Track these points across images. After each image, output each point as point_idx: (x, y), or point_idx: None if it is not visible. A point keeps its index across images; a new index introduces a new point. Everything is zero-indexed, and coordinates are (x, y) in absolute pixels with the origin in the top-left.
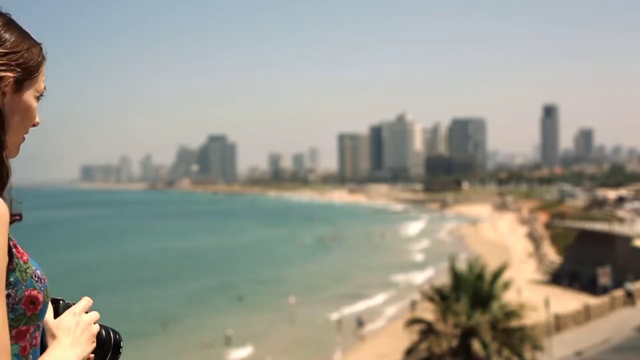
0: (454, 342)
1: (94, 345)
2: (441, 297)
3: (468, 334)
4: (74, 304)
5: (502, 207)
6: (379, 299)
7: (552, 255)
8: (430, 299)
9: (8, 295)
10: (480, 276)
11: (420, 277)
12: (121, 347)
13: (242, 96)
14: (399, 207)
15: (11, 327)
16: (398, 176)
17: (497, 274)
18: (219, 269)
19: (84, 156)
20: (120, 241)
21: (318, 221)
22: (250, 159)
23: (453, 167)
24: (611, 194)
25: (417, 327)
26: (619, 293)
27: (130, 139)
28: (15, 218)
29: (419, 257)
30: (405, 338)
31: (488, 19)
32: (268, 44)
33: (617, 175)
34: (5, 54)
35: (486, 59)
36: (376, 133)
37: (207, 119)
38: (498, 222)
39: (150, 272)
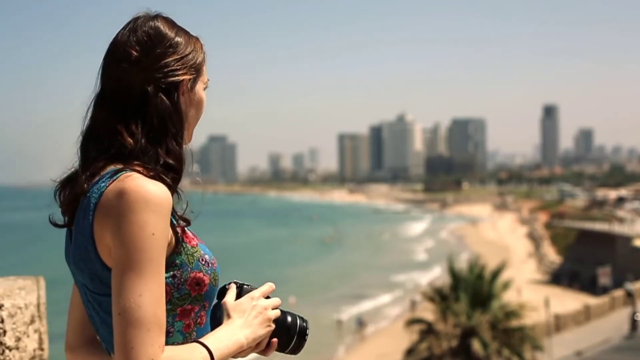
0: (454, 342)
1: (269, 329)
2: (441, 297)
3: (468, 334)
4: (256, 288)
5: (502, 207)
6: (381, 299)
7: (552, 255)
8: (430, 299)
9: (174, 276)
10: (480, 276)
11: (425, 277)
12: (307, 334)
13: (242, 96)
14: (399, 207)
15: (176, 305)
16: (398, 176)
17: (496, 274)
18: (219, 268)
19: None
20: None
21: (318, 221)
22: (250, 159)
23: (453, 167)
24: (611, 194)
25: (417, 327)
26: (619, 293)
27: None
28: (182, 224)
29: (424, 257)
30: (405, 338)
31: (488, 19)
32: (268, 44)
33: (617, 175)
34: (181, 59)
35: (486, 59)
36: (376, 133)
37: (207, 119)
38: (498, 222)
39: None
